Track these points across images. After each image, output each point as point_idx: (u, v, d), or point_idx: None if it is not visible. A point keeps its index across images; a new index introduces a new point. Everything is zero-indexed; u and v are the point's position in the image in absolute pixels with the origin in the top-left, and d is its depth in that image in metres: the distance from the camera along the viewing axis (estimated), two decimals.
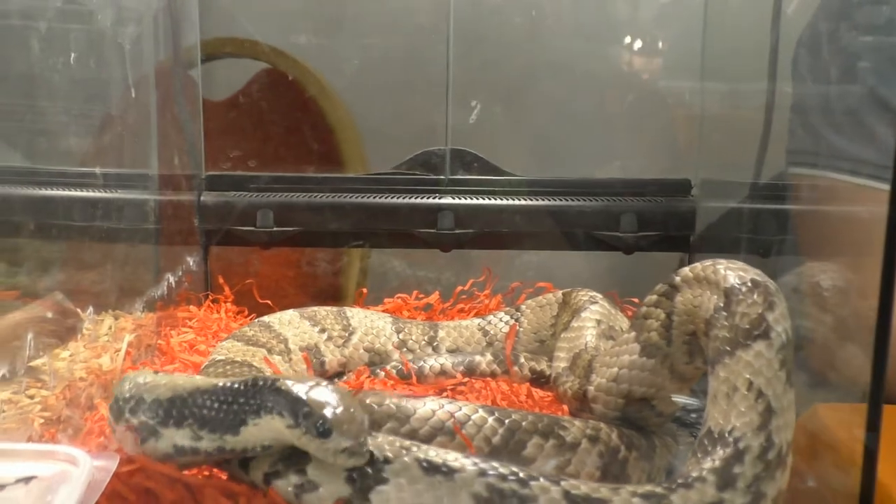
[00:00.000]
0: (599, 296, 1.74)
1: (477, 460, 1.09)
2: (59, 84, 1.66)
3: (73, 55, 1.65)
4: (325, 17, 2.51)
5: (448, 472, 1.07)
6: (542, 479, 1.07)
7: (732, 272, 1.20)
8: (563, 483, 1.07)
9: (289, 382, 1.07)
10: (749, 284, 1.17)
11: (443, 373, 1.72)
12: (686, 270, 1.27)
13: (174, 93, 2.12)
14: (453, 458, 1.09)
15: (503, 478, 1.07)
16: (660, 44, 2.42)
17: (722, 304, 1.18)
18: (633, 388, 1.36)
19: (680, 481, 1.08)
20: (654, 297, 1.32)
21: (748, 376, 1.11)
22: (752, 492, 1.07)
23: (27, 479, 0.99)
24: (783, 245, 1.93)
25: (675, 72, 2.35)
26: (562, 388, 1.54)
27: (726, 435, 1.10)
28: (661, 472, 1.40)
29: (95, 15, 1.78)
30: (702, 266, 1.25)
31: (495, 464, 1.09)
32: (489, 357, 1.74)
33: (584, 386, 1.45)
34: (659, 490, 1.08)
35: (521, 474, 1.07)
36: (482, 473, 1.07)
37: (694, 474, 1.09)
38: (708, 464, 1.09)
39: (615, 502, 1.06)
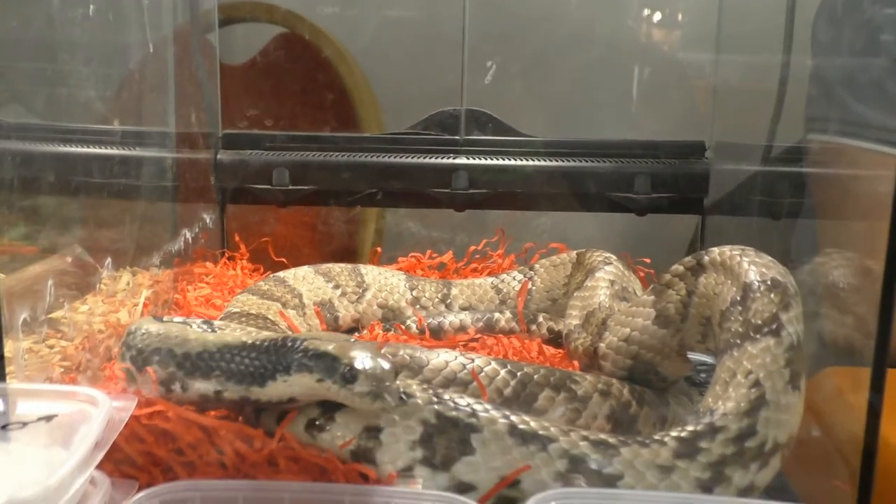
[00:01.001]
0: (613, 257, 1.75)
1: (438, 391, 1.13)
2: (78, 41, 1.67)
3: (91, 11, 1.66)
4: None
5: (405, 398, 1.12)
6: (491, 412, 1.11)
7: (755, 268, 1.20)
8: (512, 417, 1.10)
9: (316, 342, 1.13)
10: (769, 283, 1.17)
11: (461, 328, 1.74)
12: (716, 253, 1.27)
13: (192, 52, 2.13)
14: (415, 387, 1.13)
15: (454, 407, 1.11)
16: (677, 13, 2.41)
17: (739, 299, 1.18)
18: (642, 352, 1.38)
19: (639, 439, 1.10)
20: (681, 268, 1.32)
21: (749, 366, 1.12)
22: (712, 470, 1.07)
23: (49, 418, 1.02)
24: (796, 208, 1.93)
25: (692, 40, 2.35)
26: (573, 345, 1.56)
27: (709, 413, 1.11)
28: (673, 427, 1.42)
29: None
30: (730, 252, 1.24)
31: (453, 395, 1.13)
32: (508, 314, 1.75)
33: (596, 343, 1.47)
34: (612, 440, 1.09)
35: (474, 406, 1.11)
36: (434, 402, 1.11)
37: (656, 437, 1.10)
38: (675, 432, 1.10)
39: (562, 442, 1.08)
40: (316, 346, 1.12)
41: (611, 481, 1.07)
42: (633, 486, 1.06)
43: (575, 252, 1.86)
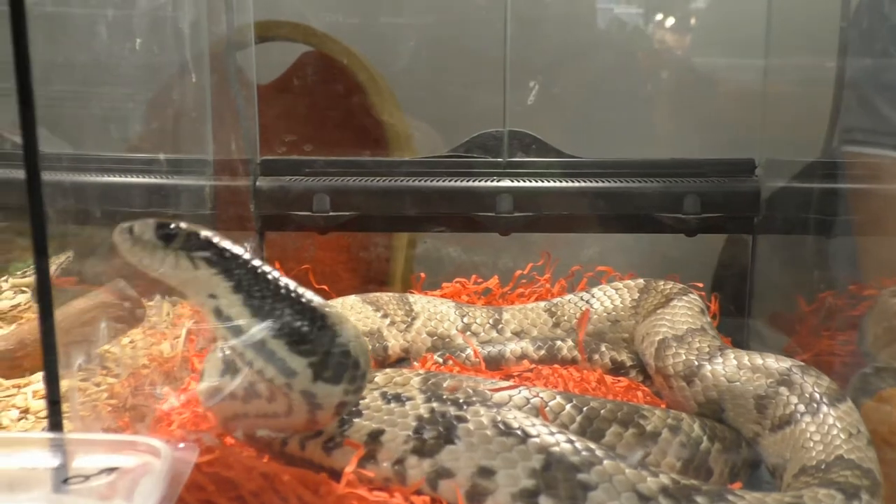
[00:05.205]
0: (688, 288, 1.73)
1: (430, 395, 1.18)
2: (122, 70, 1.65)
3: (138, 41, 1.64)
4: None
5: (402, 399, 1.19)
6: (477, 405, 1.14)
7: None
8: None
9: None
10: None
11: (523, 356, 1.68)
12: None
13: (229, 77, 2.10)
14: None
15: (443, 401, 1.17)
16: (722, 26, 2.36)
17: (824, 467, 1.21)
18: (728, 402, 1.39)
19: None
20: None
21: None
22: None
23: (110, 471, 0.98)
24: (850, 226, 1.88)
25: (739, 49, 2.29)
26: (672, 351, 1.50)
27: None
28: (747, 465, 1.38)
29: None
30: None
31: (442, 394, 1.19)
32: (570, 342, 1.70)
33: (703, 363, 1.43)
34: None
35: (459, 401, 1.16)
36: (428, 400, 1.17)
37: None
38: None
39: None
40: None
41: None
42: None
43: (642, 280, 1.81)
